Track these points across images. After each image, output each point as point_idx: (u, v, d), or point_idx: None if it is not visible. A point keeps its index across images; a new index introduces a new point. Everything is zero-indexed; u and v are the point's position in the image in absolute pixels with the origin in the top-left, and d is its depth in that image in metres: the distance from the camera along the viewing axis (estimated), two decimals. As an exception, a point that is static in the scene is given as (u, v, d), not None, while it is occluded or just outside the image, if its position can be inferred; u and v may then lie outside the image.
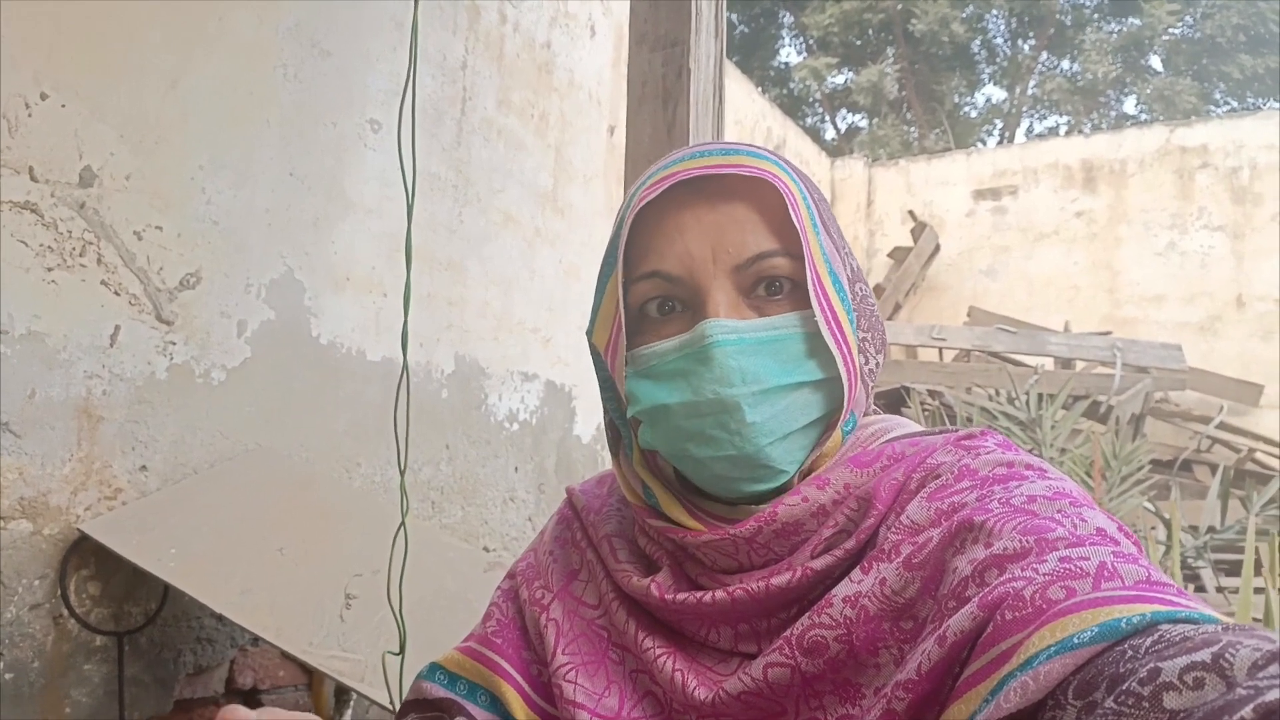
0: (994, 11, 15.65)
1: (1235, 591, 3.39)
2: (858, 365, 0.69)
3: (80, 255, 2.04)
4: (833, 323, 0.66)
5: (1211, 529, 4.14)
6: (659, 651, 0.68)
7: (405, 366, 1.67)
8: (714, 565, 0.69)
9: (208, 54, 2.31)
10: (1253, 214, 6.29)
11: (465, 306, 3.09)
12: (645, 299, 0.69)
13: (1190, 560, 3.84)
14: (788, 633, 0.61)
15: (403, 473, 1.67)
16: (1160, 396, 5.97)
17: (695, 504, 0.72)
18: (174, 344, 2.23)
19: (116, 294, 2.11)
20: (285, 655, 2.45)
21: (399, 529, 1.65)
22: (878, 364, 0.72)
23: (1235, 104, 14.45)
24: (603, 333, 0.72)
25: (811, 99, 16.29)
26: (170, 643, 2.19)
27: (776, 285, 0.67)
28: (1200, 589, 3.65)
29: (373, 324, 2.77)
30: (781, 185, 0.66)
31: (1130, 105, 15.91)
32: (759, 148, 0.70)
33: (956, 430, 0.71)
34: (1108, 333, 6.28)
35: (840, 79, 15.93)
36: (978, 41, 16.15)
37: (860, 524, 0.64)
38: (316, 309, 2.60)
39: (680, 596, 0.67)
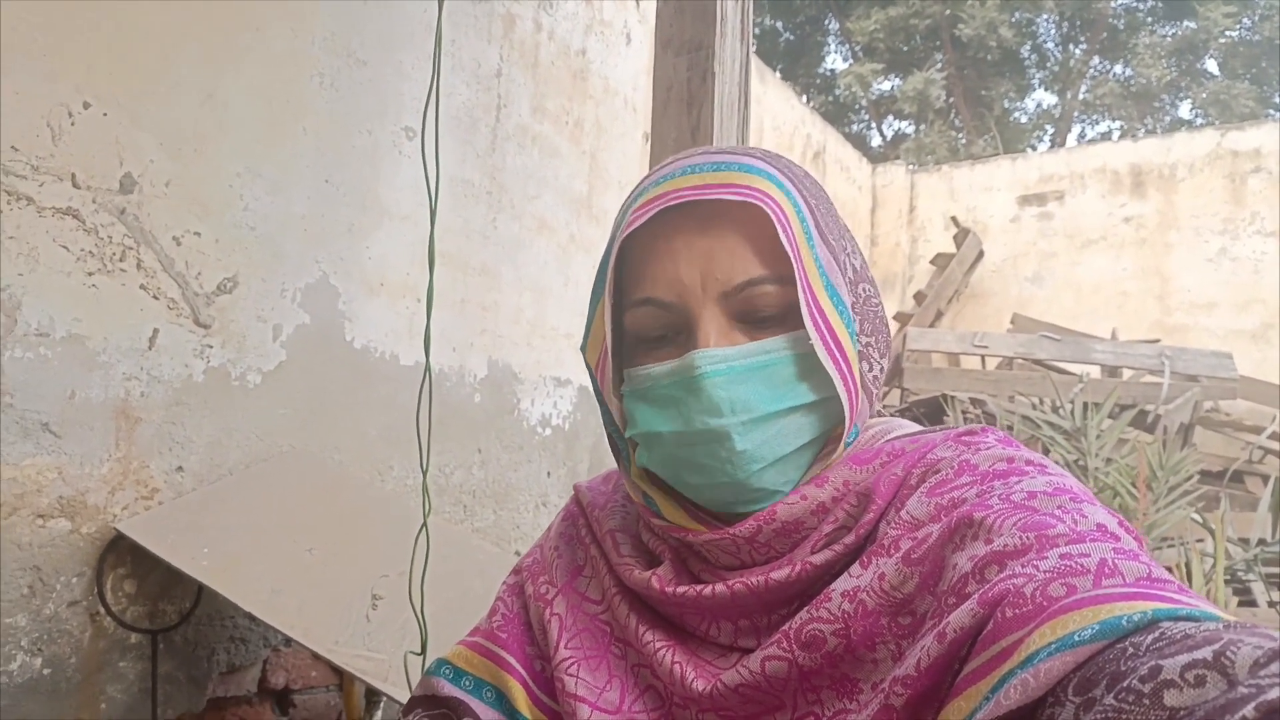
0: (1044, 15, 15.44)
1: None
2: (859, 377, 0.68)
3: (120, 260, 2.09)
4: (830, 342, 0.65)
5: (1262, 541, 4.03)
6: (659, 645, 0.68)
7: (428, 368, 1.69)
8: (716, 562, 0.69)
9: (244, 64, 2.35)
10: (1307, 218, 6.14)
11: (499, 312, 3.11)
12: (640, 325, 0.69)
13: (1240, 573, 3.75)
14: (786, 626, 0.61)
15: (424, 473, 1.69)
16: (1210, 405, 5.83)
17: (696, 507, 0.72)
18: (211, 347, 2.28)
19: (155, 298, 2.16)
20: (316, 656, 2.49)
21: (420, 530, 1.67)
22: (882, 368, 0.71)
23: (1294, 108, 14.10)
24: (593, 352, 0.73)
25: (858, 106, 16.20)
26: (204, 641, 2.23)
27: (767, 309, 0.66)
28: (1250, 603, 3.55)
29: (406, 329, 2.80)
30: (771, 204, 0.64)
31: (1185, 110, 15.61)
32: (752, 156, 0.69)
33: (956, 427, 0.71)
34: (1156, 340, 6.14)
35: (887, 85, 15.82)
36: (1027, 46, 15.93)
37: (860, 519, 0.64)
38: (351, 314, 2.64)
39: (680, 589, 0.67)
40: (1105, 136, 15.88)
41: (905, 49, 15.50)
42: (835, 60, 16.76)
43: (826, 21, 16.62)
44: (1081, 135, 16.40)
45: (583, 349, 0.75)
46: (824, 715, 0.59)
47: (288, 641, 2.41)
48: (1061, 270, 6.83)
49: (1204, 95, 14.50)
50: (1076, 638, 0.43)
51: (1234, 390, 5.66)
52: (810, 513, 0.66)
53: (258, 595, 1.93)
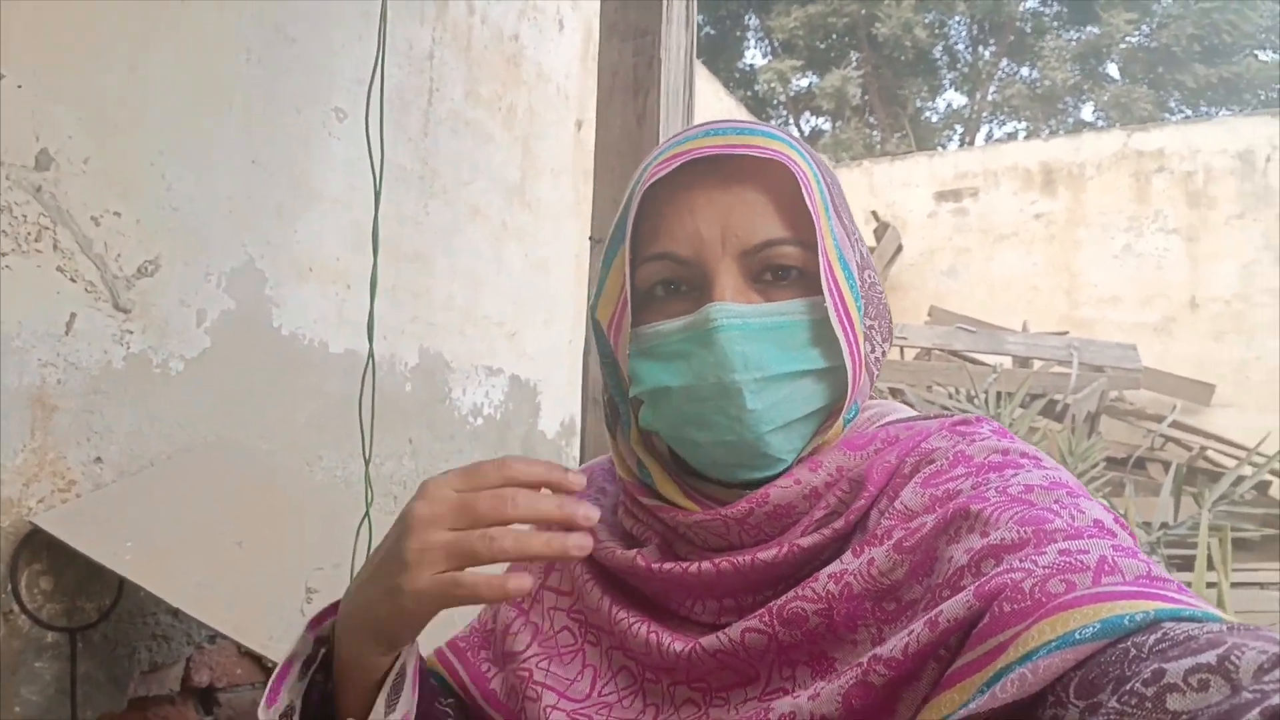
0: (956, 17, 15.83)
1: (1188, 585, 3.45)
2: (863, 354, 0.68)
3: (35, 240, 1.99)
4: (842, 311, 0.65)
5: (1164, 525, 4.21)
6: (634, 620, 0.68)
7: (371, 356, 1.65)
8: (704, 544, 0.69)
9: (168, 37, 2.26)
10: (1207, 217, 6.41)
11: (431, 299, 3.05)
12: (653, 279, 0.69)
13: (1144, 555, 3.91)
14: (771, 604, 0.61)
15: (367, 463, 1.65)
16: (1115, 395, 6.07)
17: (689, 484, 0.71)
18: (131, 333, 2.18)
19: (73, 280, 2.06)
20: (243, 652, 2.41)
21: (363, 520, 1.63)
22: (883, 352, 0.72)
23: (1189, 112, 14.75)
24: (607, 309, 0.72)
25: (776, 101, 16.37)
26: (125, 639, 2.14)
27: (784, 271, 0.66)
28: (1155, 585, 3.70)
29: (335, 315, 2.73)
30: (796, 168, 0.65)
31: (1088, 112, 16.19)
32: (774, 128, 0.69)
33: (951, 415, 0.71)
34: (1065, 333, 6.37)
35: (804, 82, 16.02)
36: (939, 47, 16.32)
37: (851, 505, 0.64)
38: (278, 299, 2.56)
39: (666, 566, 0.67)
40: (1012, 136, 16.37)
41: (823, 46, 15.72)
42: (755, 56, 16.87)
43: (747, 18, 16.75)
44: (989, 135, 16.89)
45: (592, 309, 0.75)
46: (795, 690, 0.59)
47: (212, 638, 2.32)
48: (976, 265, 7.02)
49: (1105, 98, 15.05)
50: (1078, 635, 0.43)
51: (1138, 381, 5.91)
52: (803, 497, 0.66)
53: (185, 590, 1.86)
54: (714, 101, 5.91)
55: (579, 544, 0.58)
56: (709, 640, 0.62)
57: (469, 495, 0.58)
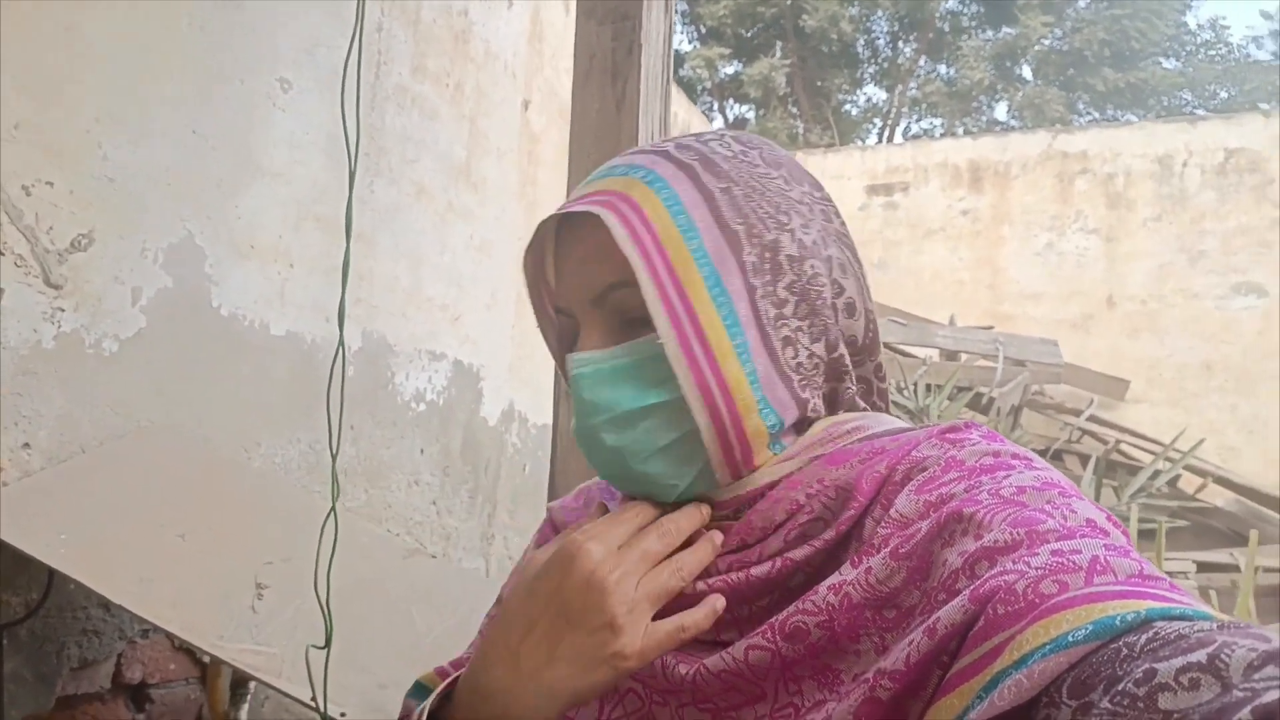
0: (879, 12, 16.07)
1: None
2: (768, 367, 0.67)
3: (-40, 209, 1.85)
4: (693, 338, 0.65)
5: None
6: None
7: (341, 343, 1.57)
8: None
9: (107, -4, 2.12)
10: (1126, 218, 6.64)
11: (374, 281, 2.95)
12: (563, 331, 0.75)
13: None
14: (772, 620, 0.61)
15: (334, 457, 1.57)
16: (1036, 389, 6.26)
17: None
18: (63, 310, 2.05)
19: (1, 254, 1.92)
20: (177, 647, 2.30)
21: (329, 515, 1.56)
22: (811, 353, 0.70)
23: (1096, 114, 15.27)
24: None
25: (701, 88, 16.39)
26: (53, 635, 2.01)
27: (635, 311, 0.67)
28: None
29: (277, 296, 2.61)
30: (621, 208, 0.66)
31: (1001, 111, 16.63)
32: (653, 153, 0.71)
33: (939, 424, 0.71)
34: (990, 327, 6.54)
35: (730, 69, 16.08)
36: (862, 41, 16.55)
37: (840, 514, 0.64)
38: (218, 278, 2.43)
39: None
40: (929, 133, 16.72)
41: (749, 35, 15.79)
42: (681, 41, 16.86)
43: (675, 2, 16.70)
44: (907, 130, 17.23)
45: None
46: (804, 706, 0.59)
47: (145, 633, 2.21)
48: (905, 258, 7.15)
49: (1019, 98, 15.49)
50: (1070, 638, 0.43)
51: (1059, 375, 6.10)
52: (786, 513, 0.66)
53: (126, 586, 1.76)
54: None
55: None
56: (713, 661, 0.62)
57: (637, 540, 0.63)
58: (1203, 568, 4.52)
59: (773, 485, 0.68)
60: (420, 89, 3.16)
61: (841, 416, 0.72)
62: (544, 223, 0.72)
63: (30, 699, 1.97)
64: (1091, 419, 6.01)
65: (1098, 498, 4.74)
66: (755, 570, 0.64)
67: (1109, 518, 0.57)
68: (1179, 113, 14.17)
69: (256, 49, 2.53)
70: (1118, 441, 5.90)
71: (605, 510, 0.81)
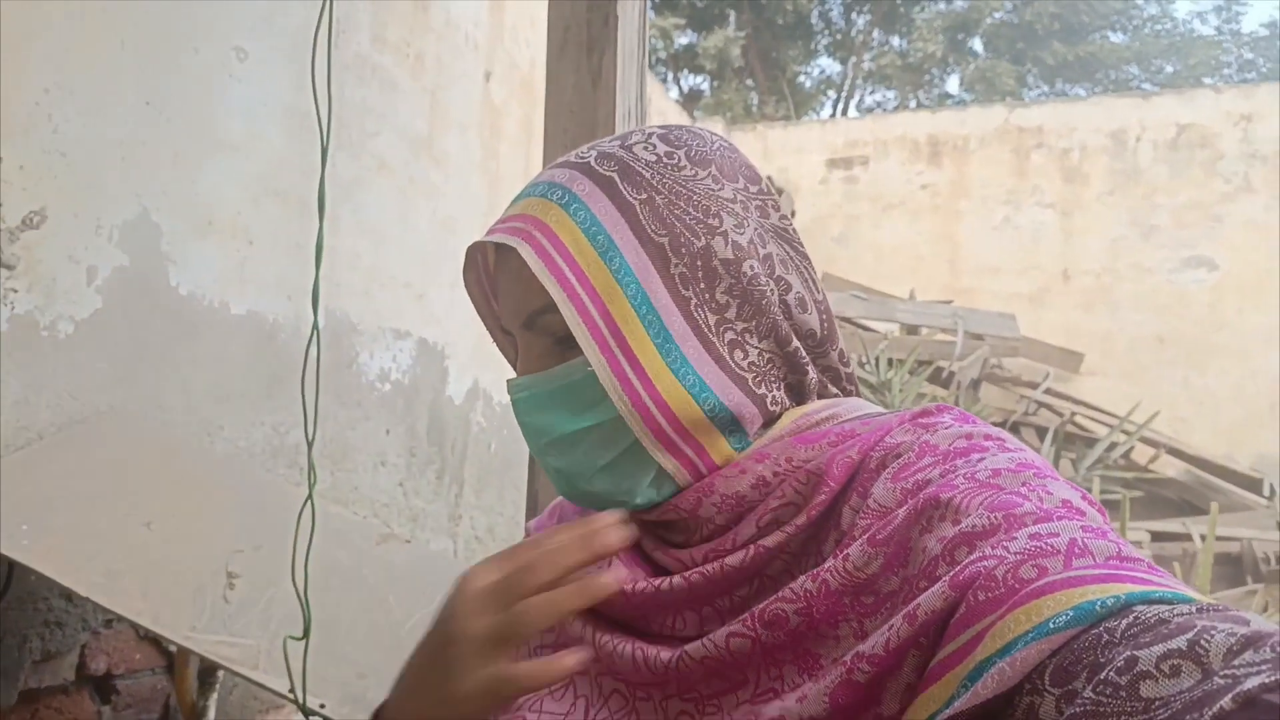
0: (833, -17, 16.05)
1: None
2: (711, 374, 0.66)
3: (-96, 186, 1.75)
4: (621, 357, 0.65)
5: (1044, 488, 4.43)
6: (618, 640, 0.67)
7: (316, 326, 1.52)
8: (666, 539, 0.71)
9: (55, -40, 2.02)
10: (1081, 193, 6.72)
11: (336, 257, 2.88)
12: (510, 346, 0.76)
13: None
14: (753, 608, 0.61)
15: (310, 444, 1.53)
16: (995, 363, 6.34)
17: None
18: (15, 291, 1.96)
19: (-52, 232, 1.83)
20: (142, 636, 2.24)
21: (305, 502, 1.51)
22: (760, 351, 0.69)
23: (1047, 88, 15.43)
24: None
25: (656, 59, 16.25)
26: (14, 629, 1.94)
27: (563, 333, 0.67)
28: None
29: (236, 274, 2.53)
30: (533, 245, 0.66)
31: (953, 84, 16.73)
32: (565, 167, 0.70)
33: (910, 409, 0.71)
34: (949, 301, 6.60)
35: (684, 40, 15.96)
36: (816, 13, 16.51)
37: (811, 499, 0.64)
38: (175, 255, 2.35)
39: (639, 587, 0.67)
40: (882, 105, 16.79)
41: (702, 5, 15.67)
42: (634, 10, 16.61)
43: (628, -30, 16.51)
44: (860, 103, 17.28)
45: None
46: (783, 689, 0.59)
47: (109, 623, 2.15)
48: (865, 232, 7.18)
49: (971, 71, 15.59)
50: (1051, 625, 0.44)
51: (1016, 349, 6.18)
52: (751, 486, 0.66)
53: (92, 578, 1.70)
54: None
55: (614, 579, 0.58)
56: (694, 647, 0.62)
57: (511, 574, 0.58)
58: (1156, 537, 4.63)
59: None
60: (380, 59, 3.08)
61: (810, 406, 0.71)
62: (474, 245, 0.74)
63: (-10, 694, 1.91)
64: (1048, 391, 6.11)
65: (1055, 468, 4.83)
66: (730, 560, 0.64)
67: (1084, 496, 0.57)
68: (1126, 86, 14.37)
69: (212, 16, 2.43)
70: (1073, 414, 6.01)
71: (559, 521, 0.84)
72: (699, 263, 0.67)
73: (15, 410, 1.95)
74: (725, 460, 0.68)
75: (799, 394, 0.72)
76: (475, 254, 0.76)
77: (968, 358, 5.67)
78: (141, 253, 2.26)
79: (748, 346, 0.68)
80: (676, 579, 0.65)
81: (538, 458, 0.71)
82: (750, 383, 0.68)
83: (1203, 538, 4.58)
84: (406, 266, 3.20)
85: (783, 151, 7.48)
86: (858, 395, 0.78)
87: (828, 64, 17.67)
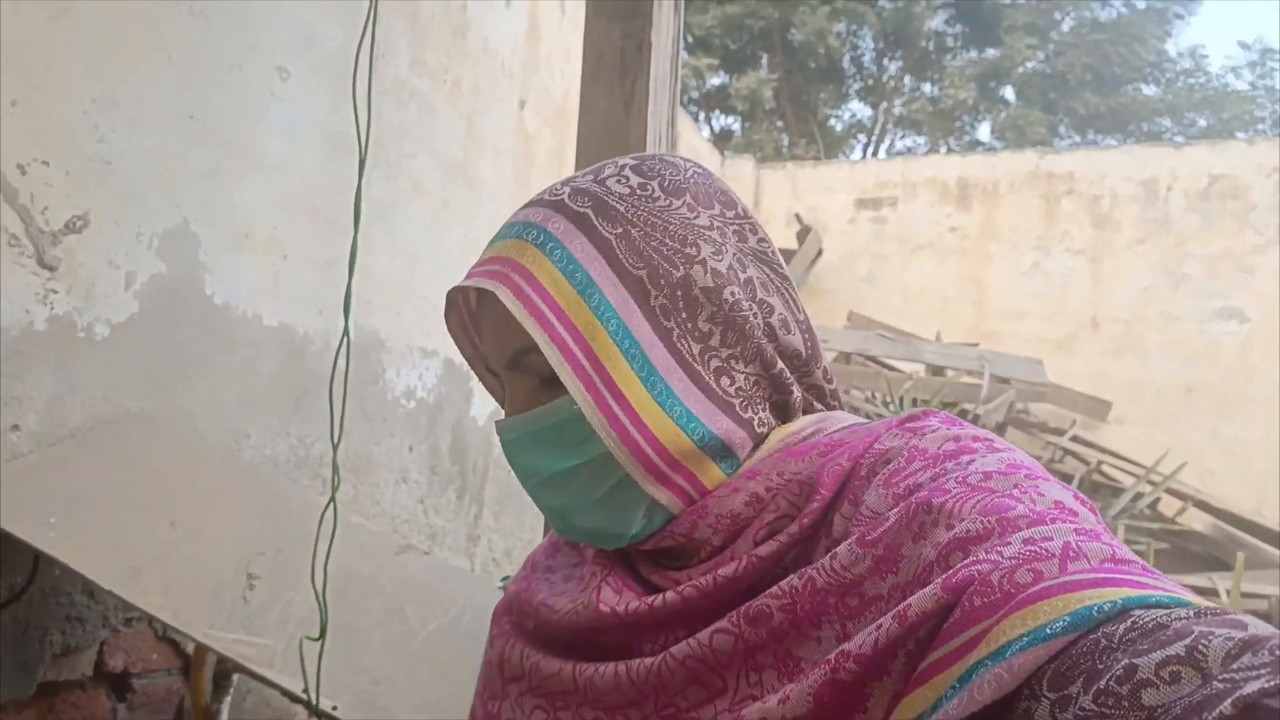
0: (865, 29, 16.16)
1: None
2: (698, 403, 0.67)
3: (-44, 185, 1.81)
4: (607, 394, 0.65)
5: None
6: (600, 666, 0.66)
7: (346, 333, 1.55)
8: (664, 565, 0.71)
9: (111, -24, 2.09)
10: (1111, 240, 6.69)
11: (368, 276, 2.93)
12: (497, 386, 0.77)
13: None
14: (740, 606, 0.61)
15: (335, 447, 1.55)
16: (1021, 408, 6.29)
17: None
18: (56, 292, 2.02)
19: (-5, 232, 1.89)
20: (160, 637, 2.27)
21: (328, 505, 1.54)
22: (747, 375, 0.70)
23: (1078, 138, 15.42)
24: None
25: (688, 98, 16.42)
26: (37, 621, 1.97)
27: (548, 372, 0.67)
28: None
29: (270, 287, 2.58)
30: (511, 287, 0.66)
31: (984, 131, 16.76)
32: (540, 206, 0.71)
33: (898, 415, 0.71)
34: (976, 344, 6.57)
35: (716, 81, 16.12)
36: (848, 58, 16.63)
37: (804, 508, 0.65)
38: (212, 266, 2.41)
39: (632, 606, 0.66)
40: (913, 150, 16.82)
41: (735, 47, 15.83)
42: (671, 49, 16.81)
43: (664, 11, 16.71)
44: (891, 147, 17.33)
45: None
46: (762, 696, 0.58)
47: (129, 621, 2.17)
48: (892, 272, 7.17)
49: (1002, 118, 15.62)
50: (1049, 630, 0.43)
51: (1043, 394, 6.13)
52: (745, 503, 0.67)
53: (116, 573, 1.73)
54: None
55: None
56: (679, 647, 0.62)
57: None
58: (1181, 588, 4.54)
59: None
60: (418, 84, 3.14)
61: (797, 423, 0.72)
62: (453, 289, 0.74)
63: (11, 685, 1.93)
64: (1074, 439, 6.05)
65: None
66: (723, 570, 0.64)
67: (1076, 496, 0.57)
68: (1158, 138, 14.33)
69: (255, 36, 2.51)
70: (1100, 463, 5.94)
71: (558, 550, 0.82)
72: (679, 292, 0.67)
73: (49, 408, 2.00)
74: (717, 485, 0.68)
75: (784, 413, 0.73)
76: (456, 296, 0.77)
77: (993, 401, 5.64)
78: (179, 261, 2.31)
79: (734, 372, 0.69)
80: (670, 594, 0.65)
81: (532, 497, 0.72)
82: (738, 408, 0.68)
83: (1228, 593, 4.51)
84: (437, 287, 3.25)
85: (812, 190, 7.52)
86: (842, 410, 0.78)
87: (858, 108, 17.76)
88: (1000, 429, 5.80)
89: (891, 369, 6.10)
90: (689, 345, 0.67)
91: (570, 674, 0.67)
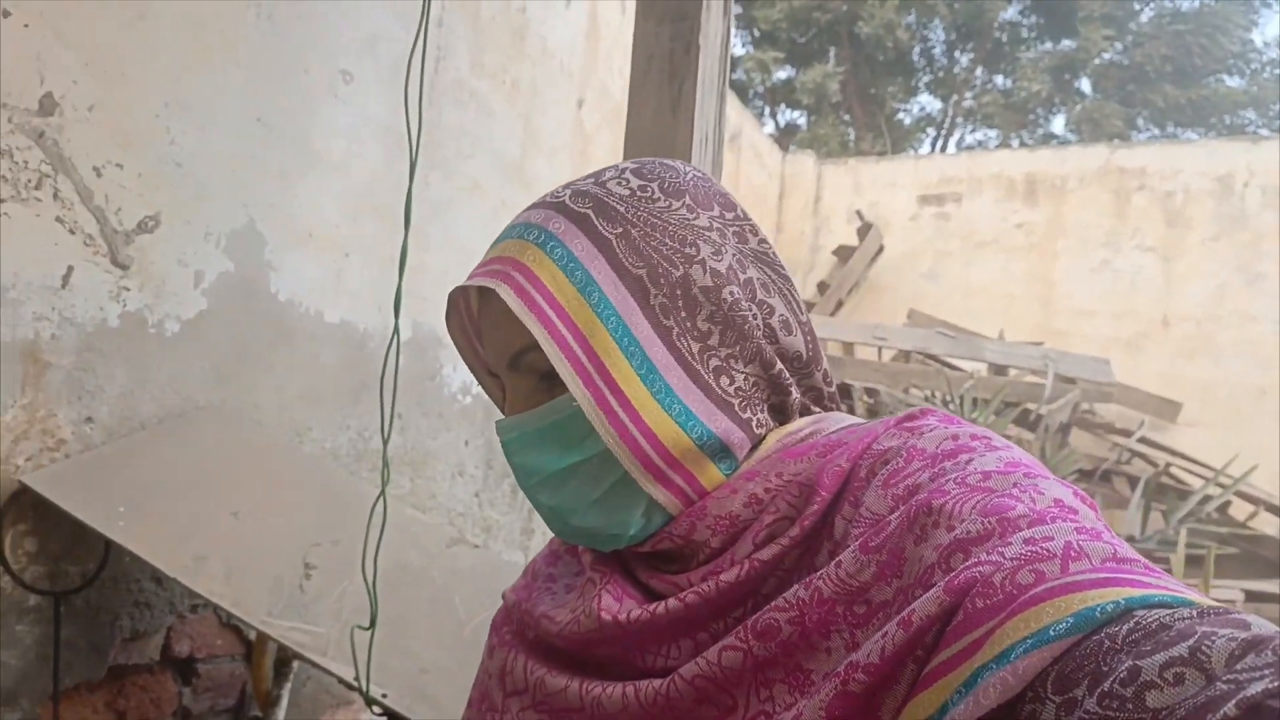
0: (935, 21, 15.89)
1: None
2: (697, 402, 0.67)
3: (36, 188, 1.90)
4: (606, 392, 0.65)
5: (1132, 538, 4.28)
6: (608, 686, 0.65)
7: (396, 331, 1.60)
8: (662, 569, 0.70)
9: (181, -15, 2.17)
10: (1184, 237, 6.50)
11: (425, 273, 2.99)
12: (496, 388, 0.76)
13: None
14: (746, 620, 0.60)
15: (385, 442, 1.60)
16: (1086, 408, 6.15)
17: None
18: (128, 290, 2.10)
19: (71, 232, 1.98)
20: (224, 624, 2.35)
21: (378, 499, 1.58)
22: (746, 375, 0.69)
23: (1157, 131, 14.97)
24: None
25: (753, 92, 16.33)
26: (108, 606, 2.07)
27: (548, 372, 0.67)
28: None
29: (333, 284, 2.66)
30: (512, 285, 0.66)
31: (1059, 125, 16.36)
32: (542, 208, 0.70)
33: (895, 415, 0.71)
34: (1040, 343, 6.44)
35: (783, 74, 16.00)
36: (917, 50, 16.37)
37: (803, 510, 0.64)
38: (277, 264, 2.48)
39: (634, 615, 0.65)
40: (983, 144, 16.51)
41: (803, 40, 15.70)
42: (735, 44, 16.77)
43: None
44: (960, 141, 17.02)
45: None
46: (774, 712, 0.58)
47: (194, 608, 2.26)
48: (955, 269, 7.06)
49: (1077, 111, 15.23)
50: (1052, 632, 0.43)
51: (1110, 394, 5.99)
52: (744, 505, 0.66)
53: (181, 560, 1.80)
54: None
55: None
56: (687, 668, 0.61)
57: None
58: (1251, 597, 4.42)
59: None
60: (477, 85, 3.20)
61: (795, 424, 0.72)
62: (454, 291, 0.74)
63: (83, 667, 2.03)
64: (1142, 440, 5.90)
65: (1145, 520, 4.64)
66: (725, 576, 0.63)
67: (1076, 493, 0.56)
68: (1242, 131, 13.85)
69: (320, 40, 2.58)
70: (1168, 465, 5.78)
71: (558, 559, 0.82)
72: (678, 292, 0.67)
73: (120, 401, 2.09)
74: (715, 486, 0.68)
75: (782, 414, 0.72)
76: (457, 299, 0.76)
77: (1057, 401, 5.52)
78: (246, 260, 2.39)
79: (733, 372, 0.68)
80: (672, 602, 0.64)
81: (530, 499, 0.71)
82: (736, 408, 0.68)
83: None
84: (493, 284, 3.30)
85: (873, 186, 7.43)
86: (839, 411, 0.78)
87: (928, 101, 17.48)
88: (1064, 429, 5.69)
89: (953, 368, 6.01)
90: (688, 344, 0.67)
91: (577, 692, 0.66)
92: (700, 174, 0.74)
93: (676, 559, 0.69)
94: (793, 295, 0.73)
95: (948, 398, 5.25)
